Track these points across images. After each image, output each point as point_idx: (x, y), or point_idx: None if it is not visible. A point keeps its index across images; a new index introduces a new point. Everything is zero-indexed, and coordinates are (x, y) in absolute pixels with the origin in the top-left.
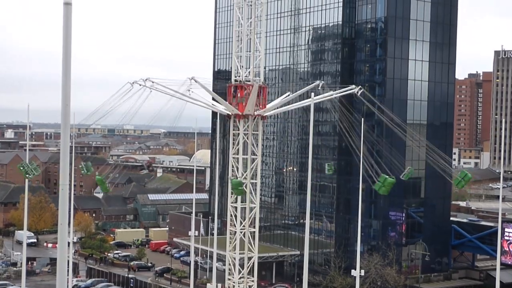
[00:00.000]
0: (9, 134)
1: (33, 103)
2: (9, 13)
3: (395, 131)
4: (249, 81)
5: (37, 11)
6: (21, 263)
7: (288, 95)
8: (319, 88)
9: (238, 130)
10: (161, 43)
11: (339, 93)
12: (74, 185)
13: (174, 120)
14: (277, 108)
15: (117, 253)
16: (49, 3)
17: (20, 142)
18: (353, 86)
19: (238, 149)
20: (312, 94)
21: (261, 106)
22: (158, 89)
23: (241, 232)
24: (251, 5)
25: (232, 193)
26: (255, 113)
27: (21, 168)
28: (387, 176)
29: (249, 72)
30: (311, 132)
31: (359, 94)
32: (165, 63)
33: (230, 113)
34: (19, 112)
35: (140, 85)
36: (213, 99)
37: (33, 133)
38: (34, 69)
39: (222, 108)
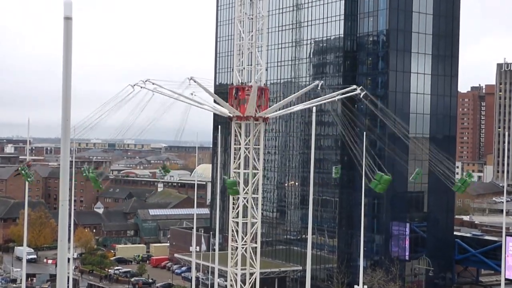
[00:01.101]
0: (9, 149)
1: (33, 117)
2: (10, 27)
3: (398, 143)
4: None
5: (38, 25)
6: (21, 279)
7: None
8: (319, 88)
9: (240, 144)
10: (162, 54)
11: (341, 94)
12: (74, 200)
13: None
14: (278, 109)
15: (118, 269)
16: (51, 17)
17: (20, 157)
18: (355, 86)
19: (239, 163)
20: (314, 108)
21: (263, 108)
22: (161, 92)
23: (242, 248)
24: (252, 19)
25: (233, 208)
26: (257, 114)
27: (20, 169)
28: (383, 174)
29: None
30: (313, 145)
31: (362, 95)
32: (166, 75)
33: (231, 115)
34: (19, 126)
35: (141, 87)
36: (215, 101)
37: (33, 147)
38: (34, 83)
39: (225, 110)
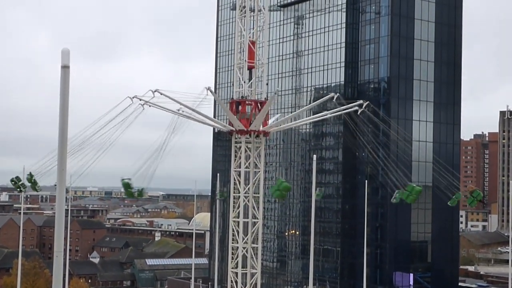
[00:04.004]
0: (3, 197)
1: (28, 164)
2: (11, 76)
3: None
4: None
5: (35, 73)
6: None
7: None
8: (334, 100)
9: (239, 193)
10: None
11: (346, 109)
12: (70, 250)
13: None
14: (279, 120)
15: None
16: (48, 66)
17: (14, 205)
18: (361, 101)
19: (238, 212)
20: (315, 156)
21: (263, 124)
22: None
23: None
24: (252, 66)
25: (232, 258)
26: (250, 128)
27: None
28: (414, 185)
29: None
30: (313, 193)
31: (365, 108)
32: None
33: (232, 129)
34: (14, 174)
35: (146, 102)
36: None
37: (28, 195)
38: (30, 129)
39: (222, 124)
